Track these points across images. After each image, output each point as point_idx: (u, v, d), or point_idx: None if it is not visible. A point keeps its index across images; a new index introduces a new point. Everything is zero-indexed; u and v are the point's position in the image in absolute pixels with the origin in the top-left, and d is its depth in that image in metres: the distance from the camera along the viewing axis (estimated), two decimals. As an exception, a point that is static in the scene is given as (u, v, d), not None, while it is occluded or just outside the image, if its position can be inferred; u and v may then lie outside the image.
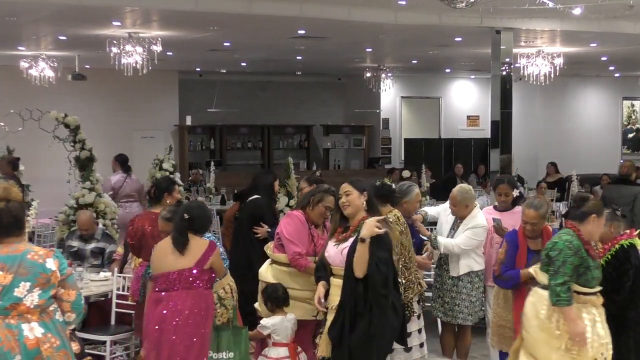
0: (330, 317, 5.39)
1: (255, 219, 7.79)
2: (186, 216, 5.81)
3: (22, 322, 4.54)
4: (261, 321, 6.31)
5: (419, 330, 6.47)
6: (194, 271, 5.70)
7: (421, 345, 6.47)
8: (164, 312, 5.64)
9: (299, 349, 6.29)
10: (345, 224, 5.52)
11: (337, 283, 5.40)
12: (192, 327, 5.64)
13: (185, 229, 5.79)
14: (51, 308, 4.67)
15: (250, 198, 7.93)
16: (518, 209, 7.01)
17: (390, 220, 6.07)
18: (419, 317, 6.48)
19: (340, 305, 5.30)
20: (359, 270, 5.19)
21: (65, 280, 4.71)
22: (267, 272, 6.45)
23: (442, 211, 7.37)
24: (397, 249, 6.04)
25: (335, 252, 5.43)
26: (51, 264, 4.65)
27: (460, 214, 7.04)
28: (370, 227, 5.23)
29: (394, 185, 6.73)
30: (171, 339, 5.61)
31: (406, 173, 12.81)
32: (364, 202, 5.43)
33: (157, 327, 5.65)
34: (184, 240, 5.75)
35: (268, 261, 6.54)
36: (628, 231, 6.01)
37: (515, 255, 6.37)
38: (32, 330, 4.55)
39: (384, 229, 5.26)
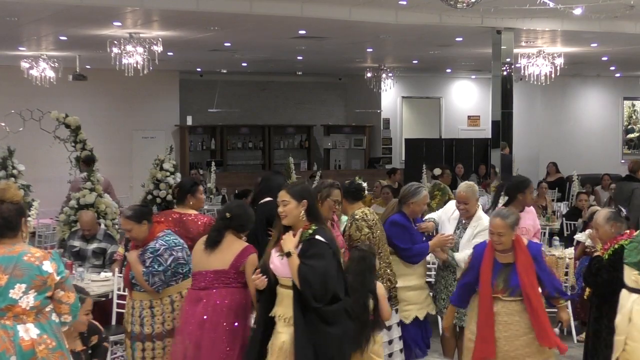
0: (281, 329, 5.18)
1: (270, 223, 7.75)
2: (227, 215, 5.82)
3: (18, 324, 4.50)
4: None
5: (390, 342, 6.45)
6: (230, 272, 5.74)
7: (390, 355, 6.45)
8: (204, 310, 5.67)
9: None
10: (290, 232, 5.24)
11: (286, 293, 5.15)
12: (232, 324, 5.68)
13: (223, 227, 5.81)
14: (47, 309, 4.63)
15: (263, 201, 7.86)
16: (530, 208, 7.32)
17: (357, 217, 6.32)
18: (389, 328, 6.41)
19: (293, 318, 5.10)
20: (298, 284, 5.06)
21: (64, 282, 4.69)
22: None
23: (442, 213, 7.34)
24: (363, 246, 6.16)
25: (280, 262, 5.16)
26: (48, 266, 4.60)
27: (472, 211, 7.02)
28: (291, 240, 5.07)
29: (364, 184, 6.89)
30: (211, 337, 5.63)
31: (437, 171, 12.84)
32: (303, 212, 5.13)
33: (197, 325, 5.67)
34: (217, 240, 5.78)
35: None
36: (628, 231, 6.01)
37: (478, 267, 5.96)
38: (28, 332, 4.52)
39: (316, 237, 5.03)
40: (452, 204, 7.30)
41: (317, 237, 5.09)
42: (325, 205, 6.26)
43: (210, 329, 5.63)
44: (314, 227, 5.13)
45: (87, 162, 12.60)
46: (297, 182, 5.32)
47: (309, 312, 5.02)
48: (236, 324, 5.68)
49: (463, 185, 7.16)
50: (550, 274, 5.98)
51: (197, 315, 5.67)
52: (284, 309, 5.17)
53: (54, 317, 4.66)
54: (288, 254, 5.06)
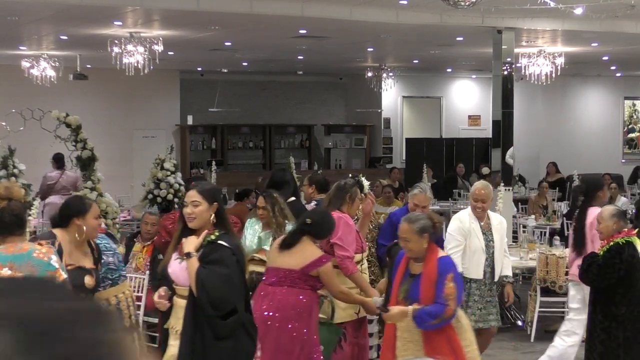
0: (173, 342, 4.91)
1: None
2: (308, 221, 5.90)
3: None
4: None
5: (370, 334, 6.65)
6: (299, 274, 5.80)
7: None
8: (268, 306, 5.78)
9: None
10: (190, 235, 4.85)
11: (182, 304, 4.74)
12: (296, 325, 5.75)
13: (300, 232, 5.89)
14: None
15: (289, 200, 7.91)
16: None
17: None
18: (371, 322, 6.58)
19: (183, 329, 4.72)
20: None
21: (67, 279, 4.74)
22: None
23: (462, 225, 7.07)
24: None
25: (179, 268, 4.75)
26: (54, 261, 4.67)
27: (489, 208, 7.08)
28: (193, 241, 4.65)
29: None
30: (275, 334, 5.72)
31: (485, 170, 12.86)
32: (213, 215, 4.71)
33: (260, 320, 5.70)
34: (292, 242, 5.85)
35: None
36: (626, 229, 6.08)
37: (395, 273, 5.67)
38: None
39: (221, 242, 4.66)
40: (462, 215, 7.21)
41: (221, 242, 4.65)
42: (354, 206, 6.50)
43: (273, 326, 5.73)
44: (218, 232, 4.69)
45: (56, 160, 12.94)
46: (206, 182, 4.96)
47: (201, 324, 4.57)
48: (297, 324, 5.75)
49: (480, 184, 7.18)
50: (440, 297, 5.27)
51: (261, 311, 5.77)
52: (176, 320, 4.82)
53: None
54: (188, 255, 4.63)
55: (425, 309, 5.25)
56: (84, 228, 5.22)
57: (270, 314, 5.71)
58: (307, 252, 5.84)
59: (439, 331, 5.38)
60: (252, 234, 6.77)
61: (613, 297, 5.97)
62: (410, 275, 5.47)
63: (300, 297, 5.79)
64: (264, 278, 5.98)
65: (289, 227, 6.56)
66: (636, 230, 6.11)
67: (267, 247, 6.58)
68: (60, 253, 4.89)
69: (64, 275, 4.69)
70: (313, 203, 7.68)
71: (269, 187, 8.02)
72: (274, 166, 21.03)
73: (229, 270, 4.59)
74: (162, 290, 4.90)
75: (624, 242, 5.99)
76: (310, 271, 5.79)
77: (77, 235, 5.29)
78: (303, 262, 5.80)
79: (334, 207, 6.60)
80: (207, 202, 4.70)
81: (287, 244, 5.83)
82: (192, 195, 4.75)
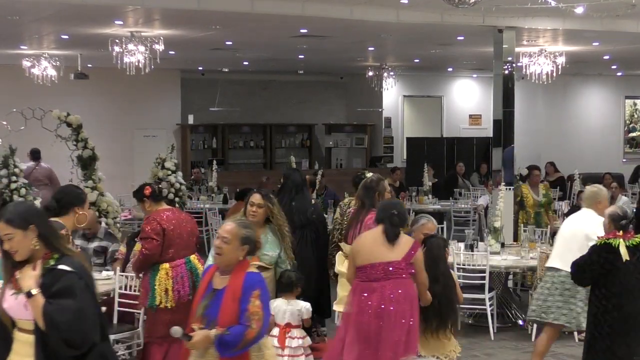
0: None
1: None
2: (395, 212, 6.15)
3: None
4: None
5: None
6: (402, 264, 6.05)
7: None
8: (379, 300, 5.95)
9: (295, 333, 6.77)
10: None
11: (25, 339, 4.11)
12: (408, 314, 6.00)
13: (398, 224, 6.13)
14: None
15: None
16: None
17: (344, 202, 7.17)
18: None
19: None
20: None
21: None
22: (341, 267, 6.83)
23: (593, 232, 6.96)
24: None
25: (15, 302, 4.10)
26: None
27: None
28: (30, 275, 4.04)
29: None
30: (392, 325, 5.93)
31: (524, 171, 13.05)
32: (35, 239, 4.06)
33: (374, 315, 5.96)
34: (396, 235, 6.09)
35: (339, 258, 6.89)
36: (621, 232, 6.24)
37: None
38: None
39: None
40: (575, 220, 7.43)
41: (62, 266, 4.04)
42: (385, 199, 6.75)
43: (390, 318, 5.94)
44: (56, 256, 4.08)
45: (32, 153, 13.36)
46: (13, 205, 4.29)
47: None
48: (408, 312, 6.00)
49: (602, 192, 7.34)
50: (243, 317, 4.70)
51: (373, 305, 5.95)
52: (21, 358, 4.12)
53: None
54: (29, 295, 3.98)
55: (225, 336, 4.64)
56: (87, 216, 5.23)
57: (383, 306, 5.94)
58: (402, 241, 6.11)
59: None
60: None
61: (598, 293, 6.28)
62: (212, 289, 4.87)
63: (408, 286, 6.06)
64: (361, 276, 6.09)
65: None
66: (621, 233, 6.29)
67: (264, 251, 6.51)
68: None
69: None
70: None
71: (291, 188, 8.02)
72: (275, 166, 21.05)
73: (80, 300, 3.98)
74: None
75: (602, 243, 6.23)
76: (411, 259, 6.05)
77: (77, 223, 5.30)
78: (403, 252, 6.06)
79: (369, 206, 6.68)
80: (20, 230, 4.04)
81: (392, 238, 6.06)
82: (1, 228, 4.06)
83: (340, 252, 7.03)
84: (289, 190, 8.06)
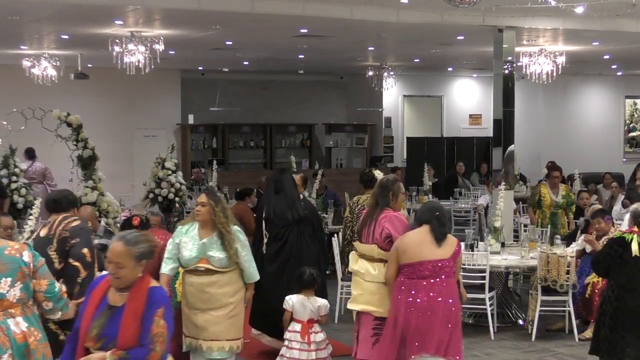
0: None
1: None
2: (440, 213, 6.45)
3: (7, 318, 4.65)
4: (286, 298, 7.08)
5: None
6: (451, 262, 6.38)
7: None
8: (429, 297, 6.26)
9: (316, 328, 7.03)
10: None
11: None
12: (456, 310, 6.39)
13: (445, 224, 6.46)
14: (30, 302, 4.78)
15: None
16: None
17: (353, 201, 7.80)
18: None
19: None
20: None
21: (38, 271, 4.81)
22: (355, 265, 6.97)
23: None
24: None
25: None
26: (27, 257, 4.74)
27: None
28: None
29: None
30: (444, 319, 6.26)
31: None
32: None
33: (420, 312, 6.25)
34: (445, 234, 6.42)
35: (352, 256, 7.03)
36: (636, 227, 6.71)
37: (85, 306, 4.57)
38: (18, 325, 4.67)
39: None
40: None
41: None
42: (399, 202, 6.90)
43: (442, 311, 6.25)
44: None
45: (27, 152, 13.62)
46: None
47: None
48: (457, 305, 6.40)
49: None
50: (146, 338, 4.30)
51: (422, 302, 6.24)
52: None
53: (35, 309, 4.80)
54: None
55: (125, 358, 4.25)
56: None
57: (440, 303, 6.25)
58: (449, 241, 6.43)
59: None
60: (193, 242, 6.55)
61: (608, 284, 6.80)
62: (108, 305, 4.43)
63: (454, 284, 6.43)
64: (407, 273, 6.33)
65: (235, 227, 6.64)
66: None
67: (212, 253, 6.48)
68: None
69: (33, 268, 4.74)
70: None
71: (270, 187, 8.12)
72: (275, 165, 21.04)
73: None
74: None
75: (617, 236, 6.68)
76: (457, 257, 6.45)
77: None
78: (451, 250, 6.39)
79: (382, 205, 6.73)
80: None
81: (441, 237, 6.35)
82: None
83: (353, 252, 7.02)
84: (269, 189, 8.24)
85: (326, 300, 7.15)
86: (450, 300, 6.31)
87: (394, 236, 6.56)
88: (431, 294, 6.24)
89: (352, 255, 7.00)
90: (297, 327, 6.96)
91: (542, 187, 12.23)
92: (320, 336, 7.02)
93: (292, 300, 7.03)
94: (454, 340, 6.30)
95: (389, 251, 6.55)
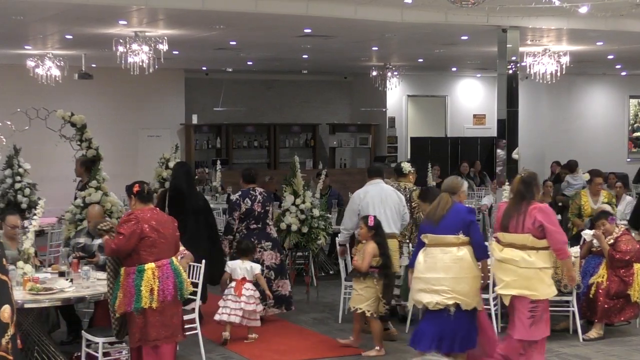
0: None
1: None
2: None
3: None
4: (227, 262, 8.72)
5: None
6: None
7: None
8: None
9: (249, 285, 8.36)
10: None
11: None
12: None
13: None
14: None
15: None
16: None
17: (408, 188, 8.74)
18: None
19: None
20: None
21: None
22: None
23: None
24: None
25: None
26: None
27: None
28: None
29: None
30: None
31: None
32: None
33: None
34: None
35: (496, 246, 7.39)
36: None
37: None
38: None
39: None
40: None
41: None
42: (540, 192, 7.58)
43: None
44: None
45: (85, 164, 12.99)
46: None
47: None
48: None
49: None
50: None
51: None
52: None
53: None
54: None
55: None
56: None
57: None
58: None
59: None
60: None
61: None
62: None
63: None
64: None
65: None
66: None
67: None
68: None
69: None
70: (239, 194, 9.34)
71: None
72: (279, 165, 21.05)
73: None
74: None
75: None
76: None
77: None
78: None
79: (529, 199, 7.10)
80: None
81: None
82: None
83: (494, 242, 7.42)
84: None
85: (257, 264, 8.63)
86: None
87: (546, 226, 6.96)
88: None
89: (495, 245, 7.28)
90: (232, 284, 8.42)
91: (582, 195, 11.23)
92: (251, 292, 8.37)
93: (230, 265, 8.61)
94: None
95: (541, 239, 6.99)
